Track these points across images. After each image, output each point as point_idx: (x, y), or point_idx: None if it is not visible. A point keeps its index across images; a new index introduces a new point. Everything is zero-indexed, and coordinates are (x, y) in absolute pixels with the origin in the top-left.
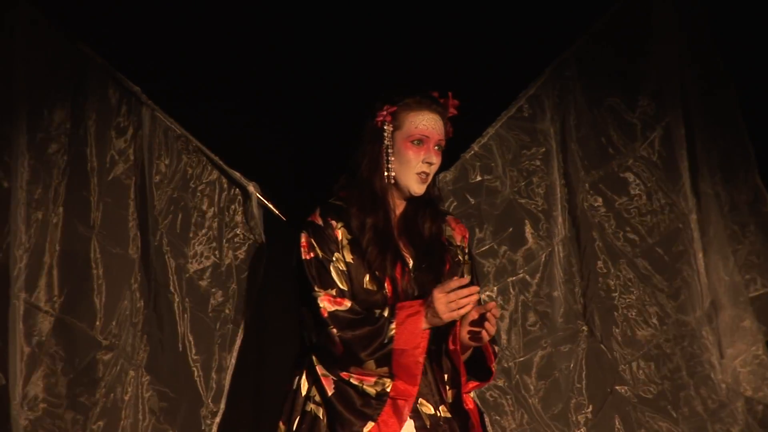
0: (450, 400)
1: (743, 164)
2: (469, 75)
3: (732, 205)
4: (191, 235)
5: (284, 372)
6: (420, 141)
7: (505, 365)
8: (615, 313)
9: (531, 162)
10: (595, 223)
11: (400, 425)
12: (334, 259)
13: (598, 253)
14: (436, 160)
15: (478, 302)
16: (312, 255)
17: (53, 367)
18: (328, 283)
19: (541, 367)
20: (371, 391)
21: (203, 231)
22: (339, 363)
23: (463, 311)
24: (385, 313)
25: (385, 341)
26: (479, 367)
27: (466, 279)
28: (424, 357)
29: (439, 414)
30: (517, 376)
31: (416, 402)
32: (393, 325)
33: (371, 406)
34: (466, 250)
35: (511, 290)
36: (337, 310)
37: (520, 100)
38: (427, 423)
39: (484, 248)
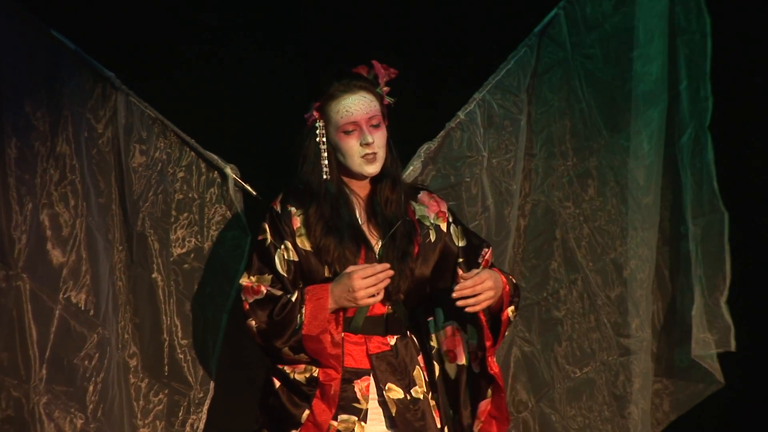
0: (428, 378)
1: None
2: (462, 38)
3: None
4: (172, 219)
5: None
6: (351, 129)
7: None
8: (559, 329)
9: (509, 135)
10: (557, 223)
11: (331, 410)
12: (282, 246)
13: (555, 255)
14: (375, 137)
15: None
16: (261, 237)
17: (62, 350)
18: (264, 268)
19: None
20: (301, 378)
21: (184, 215)
22: (266, 355)
23: (379, 297)
24: (294, 298)
25: (297, 327)
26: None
27: (387, 264)
28: (335, 339)
29: (409, 396)
30: None
31: (383, 389)
32: (303, 310)
33: (303, 393)
34: (446, 223)
35: None
36: (256, 300)
37: (509, 62)
38: (393, 410)
39: None
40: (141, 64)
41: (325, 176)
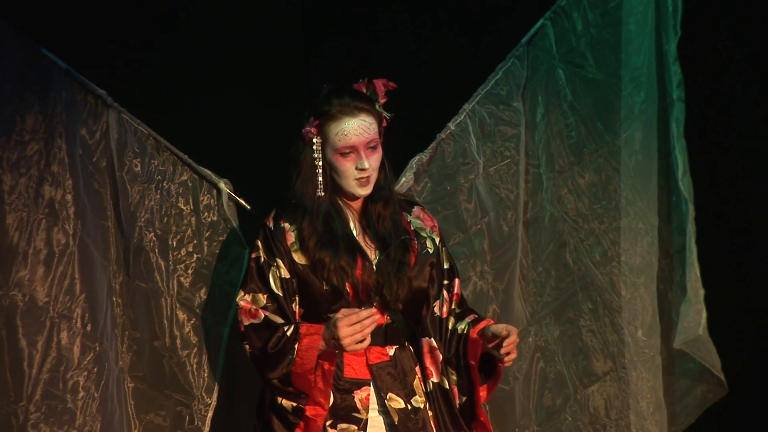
0: (429, 388)
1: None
2: (449, 52)
3: None
4: (170, 232)
5: None
6: (348, 152)
7: None
8: (577, 334)
9: (504, 142)
10: (564, 229)
11: None
12: (276, 264)
13: (566, 260)
14: (371, 162)
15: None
16: (255, 255)
17: (51, 368)
18: (259, 286)
19: None
20: (288, 405)
21: (181, 228)
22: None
23: (366, 343)
24: (289, 333)
25: (288, 362)
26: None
27: (373, 310)
28: (326, 376)
29: (410, 406)
30: None
31: (384, 398)
32: (296, 346)
33: (287, 420)
34: (438, 238)
35: (478, 281)
36: (252, 324)
37: (497, 73)
38: (396, 419)
39: (458, 238)
40: (132, 80)
41: (320, 193)
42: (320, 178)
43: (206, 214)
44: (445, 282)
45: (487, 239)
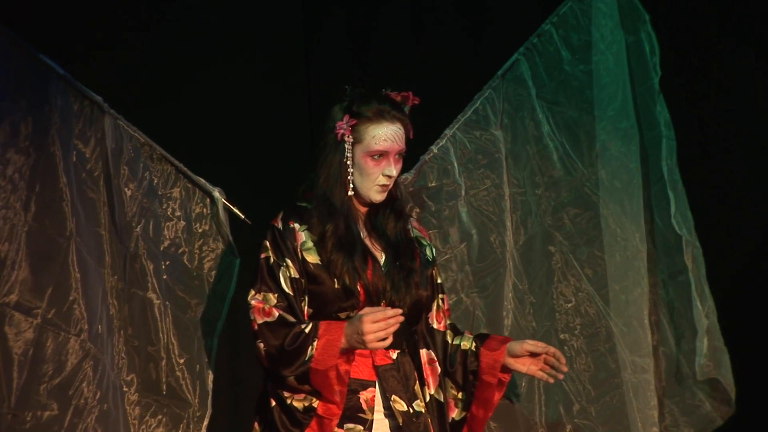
0: (426, 398)
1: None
2: (434, 73)
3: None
4: (163, 240)
5: (257, 370)
6: (380, 155)
7: None
8: (575, 346)
9: (485, 168)
10: (556, 242)
11: None
12: (285, 264)
13: (560, 278)
14: (396, 171)
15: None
16: (264, 255)
17: (43, 375)
18: (270, 285)
19: None
20: (299, 405)
21: (175, 237)
22: (269, 376)
23: (388, 341)
24: (307, 330)
25: (306, 359)
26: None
27: (399, 310)
28: (342, 376)
29: (412, 410)
30: None
31: (389, 399)
32: (315, 343)
33: (297, 420)
34: (435, 249)
35: (464, 300)
36: (266, 322)
37: (476, 102)
38: (400, 420)
39: (443, 256)
40: (128, 87)
41: (351, 193)
42: (350, 177)
43: (198, 224)
44: (440, 296)
45: (469, 259)
